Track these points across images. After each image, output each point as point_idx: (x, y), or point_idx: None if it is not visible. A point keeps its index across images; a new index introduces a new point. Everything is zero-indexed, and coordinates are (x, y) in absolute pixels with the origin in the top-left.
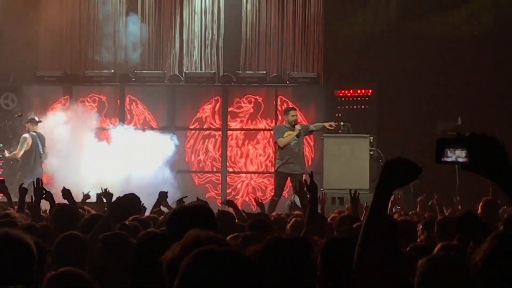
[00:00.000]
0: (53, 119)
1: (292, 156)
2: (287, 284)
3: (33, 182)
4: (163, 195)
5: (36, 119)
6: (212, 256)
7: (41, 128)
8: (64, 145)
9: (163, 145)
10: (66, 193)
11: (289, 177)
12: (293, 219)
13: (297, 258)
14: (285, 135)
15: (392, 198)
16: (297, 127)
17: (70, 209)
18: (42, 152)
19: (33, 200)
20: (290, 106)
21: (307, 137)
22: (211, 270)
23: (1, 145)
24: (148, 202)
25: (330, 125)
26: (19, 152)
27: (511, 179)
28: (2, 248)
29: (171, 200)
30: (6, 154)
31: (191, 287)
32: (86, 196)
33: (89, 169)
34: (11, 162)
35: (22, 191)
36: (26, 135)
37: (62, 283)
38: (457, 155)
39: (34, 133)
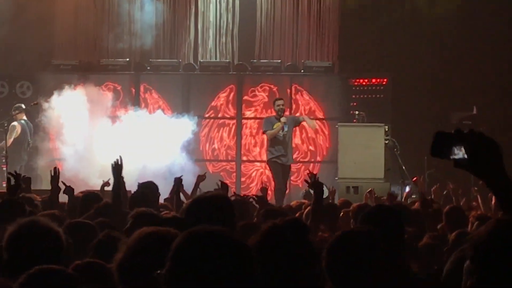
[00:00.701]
0: (66, 102)
1: (282, 148)
2: (288, 267)
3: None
4: (178, 181)
5: (23, 106)
6: (203, 236)
7: (53, 111)
8: (79, 131)
9: (180, 131)
10: (69, 191)
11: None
12: (308, 208)
13: (294, 240)
14: (274, 126)
15: (414, 179)
16: (282, 119)
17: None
18: (30, 140)
19: (51, 189)
20: (305, 95)
21: (321, 125)
22: (201, 249)
23: None
24: (165, 189)
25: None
26: (9, 141)
27: (503, 182)
28: (32, 236)
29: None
30: None
31: (182, 265)
32: (106, 183)
33: (104, 156)
34: None
35: (26, 180)
36: (15, 123)
37: (84, 274)
38: (453, 151)
39: (23, 121)
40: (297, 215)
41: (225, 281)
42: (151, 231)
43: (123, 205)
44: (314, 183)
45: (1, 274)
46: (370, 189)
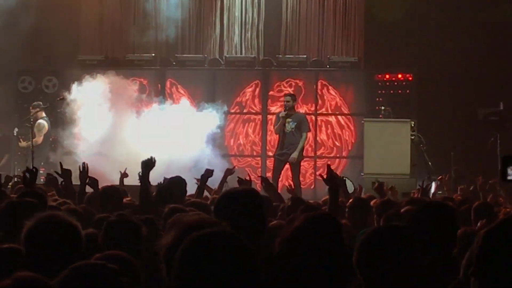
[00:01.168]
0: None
1: (283, 143)
2: (319, 262)
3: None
4: (208, 173)
5: (42, 104)
6: (207, 239)
7: (76, 105)
8: (102, 124)
9: (205, 124)
10: (93, 182)
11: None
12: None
13: (327, 235)
14: (281, 115)
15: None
16: (281, 114)
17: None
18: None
19: (79, 184)
20: (331, 91)
21: (347, 121)
22: (206, 253)
23: None
24: (190, 183)
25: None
26: (39, 138)
27: None
28: (50, 230)
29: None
30: (23, 144)
31: (188, 270)
32: (124, 174)
33: (130, 149)
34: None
35: (66, 172)
36: (41, 121)
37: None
38: (508, 172)
39: (46, 118)
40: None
41: (230, 284)
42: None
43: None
44: (329, 179)
45: (21, 268)
46: (391, 185)
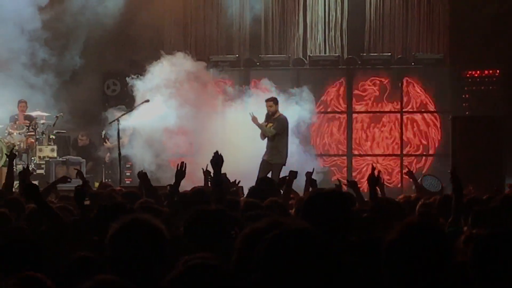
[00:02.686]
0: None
1: (268, 146)
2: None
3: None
4: (293, 175)
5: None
6: (289, 235)
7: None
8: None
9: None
10: (143, 175)
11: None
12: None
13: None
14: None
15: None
16: (261, 123)
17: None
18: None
19: (174, 183)
20: (417, 88)
21: (433, 118)
22: (287, 249)
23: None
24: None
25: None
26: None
27: None
28: (134, 233)
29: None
30: (108, 144)
31: (275, 267)
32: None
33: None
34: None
35: (143, 175)
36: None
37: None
38: None
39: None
40: None
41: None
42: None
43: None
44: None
45: (105, 271)
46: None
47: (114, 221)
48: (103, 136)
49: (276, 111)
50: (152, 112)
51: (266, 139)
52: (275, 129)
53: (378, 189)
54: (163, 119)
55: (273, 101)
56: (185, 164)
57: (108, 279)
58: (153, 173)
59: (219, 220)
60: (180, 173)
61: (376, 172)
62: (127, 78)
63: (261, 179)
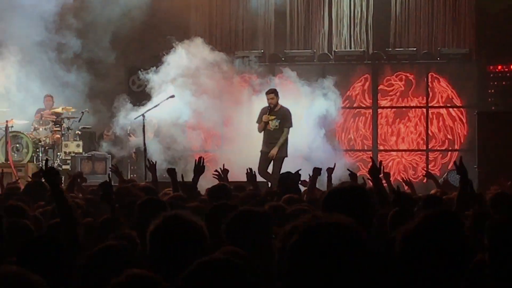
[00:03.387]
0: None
1: (268, 137)
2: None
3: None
4: (317, 172)
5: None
6: (322, 230)
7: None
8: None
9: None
10: (171, 172)
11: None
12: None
13: (448, 233)
14: (263, 119)
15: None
16: (264, 118)
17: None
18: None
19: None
20: (443, 83)
21: (459, 113)
22: (319, 245)
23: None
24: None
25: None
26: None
27: None
28: (174, 230)
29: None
30: (133, 138)
31: (300, 261)
32: (225, 170)
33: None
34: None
35: (172, 172)
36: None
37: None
38: None
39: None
40: None
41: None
42: None
43: None
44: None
45: (145, 267)
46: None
47: (150, 217)
48: (128, 132)
49: (277, 103)
50: (174, 106)
51: (263, 131)
52: (286, 126)
53: (385, 180)
54: (185, 113)
55: (274, 93)
56: (203, 158)
57: (140, 274)
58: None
59: (263, 222)
60: (199, 167)
61: (377, 164)
62: (139, 72)
63: (282, 175)
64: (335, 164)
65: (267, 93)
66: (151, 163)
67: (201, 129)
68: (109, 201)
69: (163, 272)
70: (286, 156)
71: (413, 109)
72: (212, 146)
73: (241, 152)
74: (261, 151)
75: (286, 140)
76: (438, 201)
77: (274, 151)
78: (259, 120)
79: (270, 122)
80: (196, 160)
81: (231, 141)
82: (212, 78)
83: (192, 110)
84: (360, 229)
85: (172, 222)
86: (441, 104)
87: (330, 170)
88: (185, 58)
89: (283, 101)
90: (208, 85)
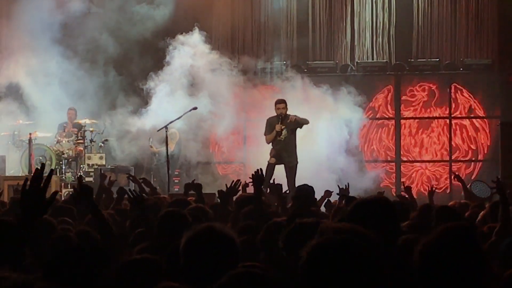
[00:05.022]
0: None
1: (279, 148)
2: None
3: None
4: (328, 194)
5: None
6: (334, 244)
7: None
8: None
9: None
10: (198, 187)
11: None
12: (470, 210)
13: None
14: (276, 128)
15: None
16: (277, 127)
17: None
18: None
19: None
20: (465, 94)
21: (482, 124)
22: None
23: None
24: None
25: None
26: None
27: None
28: (208, 242)
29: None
30: (155, 148)
31: (314, 273)
32: (245, 184)
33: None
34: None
35: (198, 186)
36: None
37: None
38: None
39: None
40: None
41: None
42: None
43: None
44: (499, 186)
45: (177, 279)
46: None
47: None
48: (149, 143)
49: (286, 113)
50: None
51: (274, 141)
52: (305, 123)
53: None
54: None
55: (284, 103)
56: (240, 182)
57: (172, 287)
58: (199, 179)
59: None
60: (232, 190)
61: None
62: (139, 83)
63: (298, 188)
64: (348, 184)
65: (278, 102)
66: (194, 182)
67: (224, 141)
68: (143, 212)
69: (196, 284)
70: (297, 162)
71: (436, 120)
72: (235, 158)
73: (265, 163)
74: (269, 163)
75: (295, 146)
76: (451, 212)
77: (295, 160)
78: (269, 131)
79: (282, 131)
80: (232, 182)
81: (254, 153)
82: (234, 88)
83: (214, 121)
84: (371, 244)
85: (206, 234)
86: (464, 115)
87: (328, 194)
88: (208, 70)
89: (306, 112)
90: (230, 96)
